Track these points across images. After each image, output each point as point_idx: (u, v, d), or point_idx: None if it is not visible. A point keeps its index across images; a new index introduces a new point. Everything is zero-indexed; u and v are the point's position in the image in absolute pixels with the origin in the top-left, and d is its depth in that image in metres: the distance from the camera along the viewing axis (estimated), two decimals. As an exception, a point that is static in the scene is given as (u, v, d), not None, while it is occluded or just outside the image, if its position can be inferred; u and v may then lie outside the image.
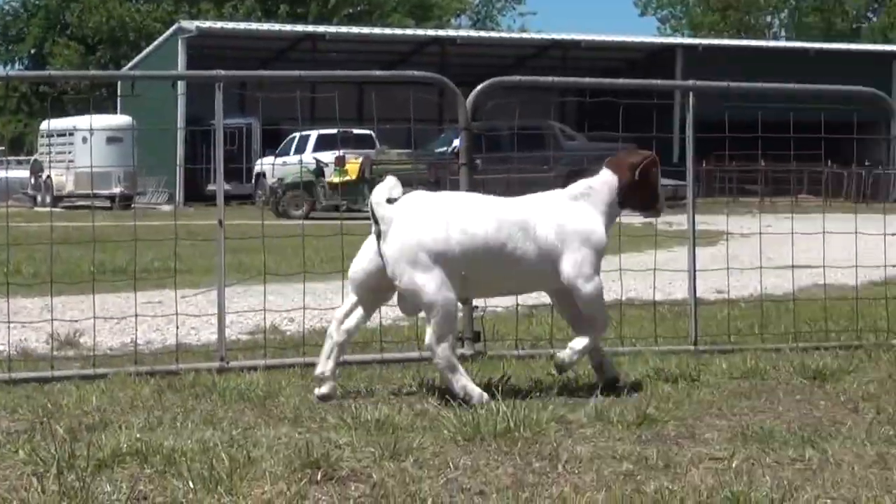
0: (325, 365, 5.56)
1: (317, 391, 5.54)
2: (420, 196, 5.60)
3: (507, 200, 5.73)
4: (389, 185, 5.50)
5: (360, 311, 5.65)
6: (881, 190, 32.66)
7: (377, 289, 5.60)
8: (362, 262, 5.56)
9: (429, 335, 5.37)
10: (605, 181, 5.83)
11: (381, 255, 5.41)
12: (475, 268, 5.45)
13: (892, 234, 8.23)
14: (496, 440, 4.59)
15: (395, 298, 5.66)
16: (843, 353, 6.76)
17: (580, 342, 5.68)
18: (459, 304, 5.80)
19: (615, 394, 5.56)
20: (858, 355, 6.61)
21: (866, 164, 37.62)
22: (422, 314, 5.61)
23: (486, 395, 5.33)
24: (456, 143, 16.50)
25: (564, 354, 5.70)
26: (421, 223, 5.37)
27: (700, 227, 8.01)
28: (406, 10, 61.88)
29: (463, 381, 5.38)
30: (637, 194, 5.88)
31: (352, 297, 5.65)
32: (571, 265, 5.60)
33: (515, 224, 5.55)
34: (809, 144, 8.65)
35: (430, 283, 5.32)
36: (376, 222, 5.42)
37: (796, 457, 4.38)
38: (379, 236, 5.41)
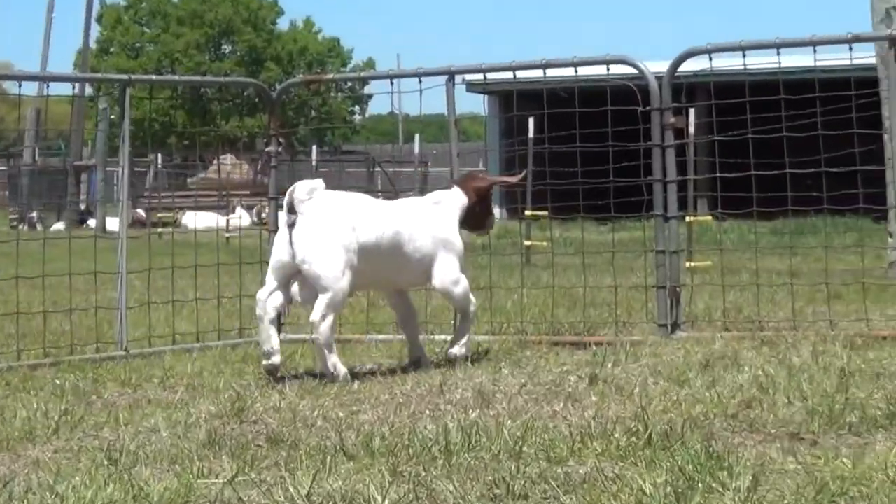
0: (271, 341, 6.11)
1: (266, 363, 6.11)
2: (330, 195, 6.31)
3: (392, 204, 6.72)
4: (312, 184, 6.23)
5: (279, 291, 6.23)
6: None
7: (291, 272, 6.21)
8: (279, 252, 6.20)
9: (316, 313, 6.02)
10: (455, 196, 6.74)
11: (290, 242, 6.12)
12: (368, 262, 6.21)
13: None
14: None
15: (295, 287, 6.27)
16: None
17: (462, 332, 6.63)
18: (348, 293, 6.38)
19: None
20: None
21: None
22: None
23: (349, 376, 6.02)
24: None
25: (457, 350, 6.55)
26: (330, 219, 6.13)
27: None
28: None
29: (334, 360, 6.06)
30: (474, 214, 6.78)
31: (271, 282, 6.22)
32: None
33: (404, 227, 6.41)
34: None
35: (333, 270, 6.05)
36: (292, 212, 6.12)
37: None
38: (292, 225, 6.13)
